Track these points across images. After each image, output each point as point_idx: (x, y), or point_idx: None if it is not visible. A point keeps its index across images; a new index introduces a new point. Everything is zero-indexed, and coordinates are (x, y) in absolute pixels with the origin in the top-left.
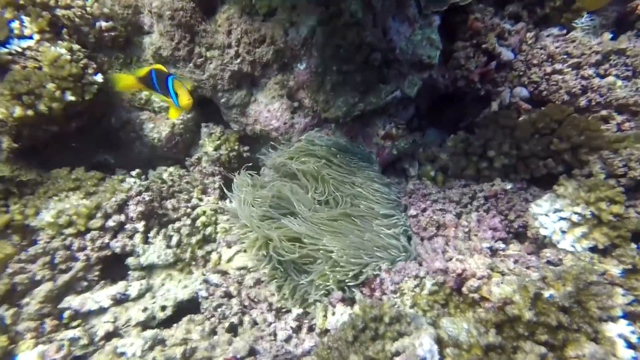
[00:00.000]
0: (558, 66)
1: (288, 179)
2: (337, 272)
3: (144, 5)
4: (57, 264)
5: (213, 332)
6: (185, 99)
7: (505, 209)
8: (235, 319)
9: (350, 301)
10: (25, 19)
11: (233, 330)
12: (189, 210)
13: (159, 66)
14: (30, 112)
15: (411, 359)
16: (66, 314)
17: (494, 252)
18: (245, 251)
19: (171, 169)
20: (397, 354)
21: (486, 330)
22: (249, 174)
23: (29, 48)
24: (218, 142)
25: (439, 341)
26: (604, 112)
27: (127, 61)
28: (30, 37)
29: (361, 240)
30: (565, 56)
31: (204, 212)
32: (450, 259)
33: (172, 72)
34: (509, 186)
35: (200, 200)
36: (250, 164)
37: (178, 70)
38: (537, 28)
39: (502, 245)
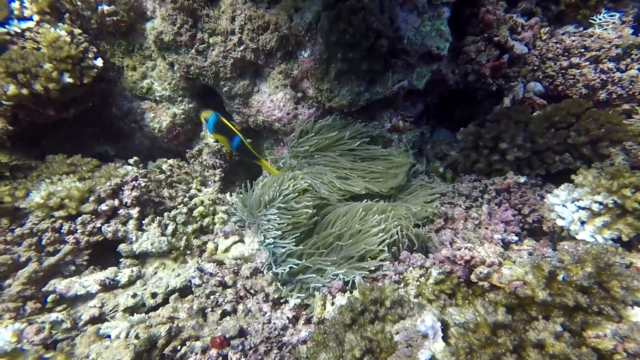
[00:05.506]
0: (575, 60)
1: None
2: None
3: None
4: (44, 246)
5: (202, 312)
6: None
7: (518, 203)
8: (229, 307)
9: (351, 290)
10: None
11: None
12: (186, 199)
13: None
14: (25, 91)
15: (412, 335)
16: (50, 297)
17: (506, 244)
18: (242, 241)
19: (171, 160)
20: (398, 333)
21: (495, 310)
22: None
23: (28, 29)
24: None
25: (444, 325)
26: (626, 106)
27: (129, 48)
28: (31, 19)
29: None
30: (582, 50)
31: (202, 202)
32: (459, 249)
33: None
34: (522, 179)
35: (199, 191)
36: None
37: (180, 56)
38: (552, 26)
39: (515, 238)
